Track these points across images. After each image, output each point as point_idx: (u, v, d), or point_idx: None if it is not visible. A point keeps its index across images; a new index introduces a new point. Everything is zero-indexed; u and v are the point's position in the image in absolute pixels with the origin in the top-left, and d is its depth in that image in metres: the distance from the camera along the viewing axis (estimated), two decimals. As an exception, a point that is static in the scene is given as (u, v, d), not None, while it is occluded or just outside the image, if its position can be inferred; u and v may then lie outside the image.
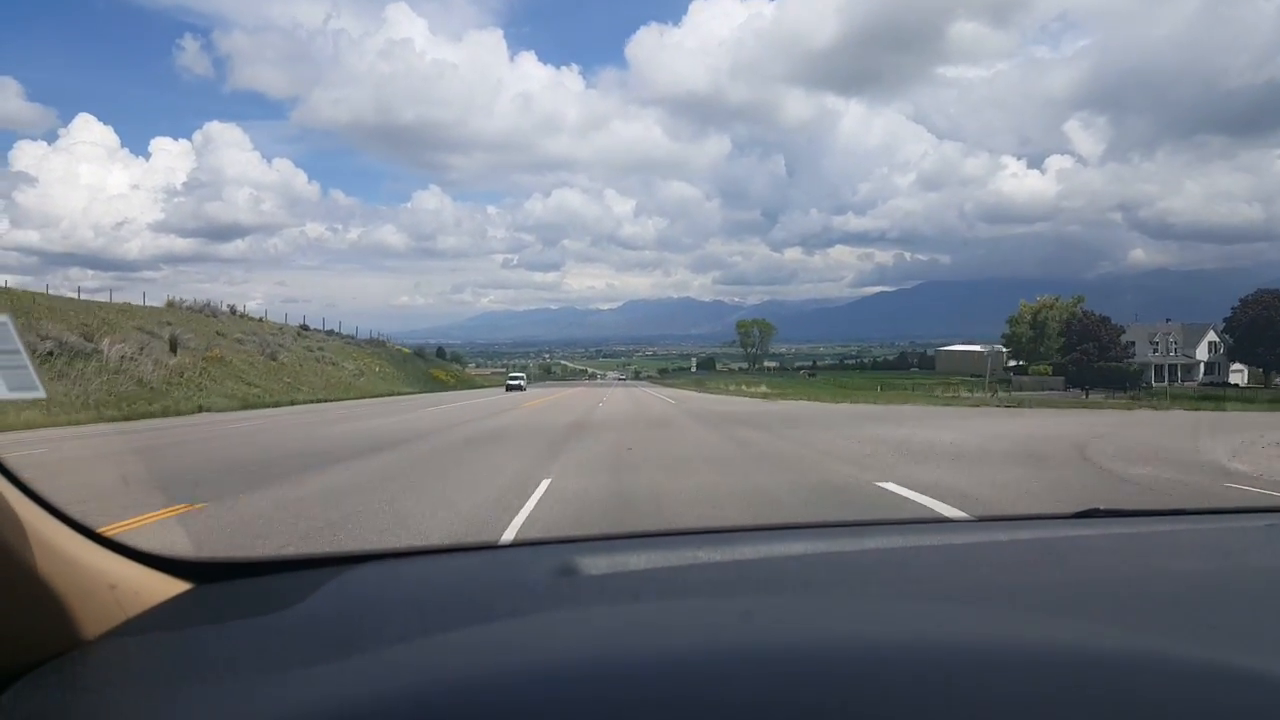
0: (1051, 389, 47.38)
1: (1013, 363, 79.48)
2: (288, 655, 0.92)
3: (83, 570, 1.01)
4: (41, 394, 1.00)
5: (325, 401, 39.30)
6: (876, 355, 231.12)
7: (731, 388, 64.18)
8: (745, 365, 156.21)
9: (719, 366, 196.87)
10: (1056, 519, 1.70)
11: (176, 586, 1.16)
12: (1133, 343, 67.16)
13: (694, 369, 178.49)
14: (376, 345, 73.52)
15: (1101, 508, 1.67)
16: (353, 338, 71.58)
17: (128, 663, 0.93)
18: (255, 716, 0.71)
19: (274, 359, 47.21)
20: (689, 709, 0.69)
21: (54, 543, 0.98)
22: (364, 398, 46.53)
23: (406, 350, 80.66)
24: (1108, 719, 0.65)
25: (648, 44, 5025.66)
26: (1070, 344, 64.48)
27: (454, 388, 68.81)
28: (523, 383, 61.33)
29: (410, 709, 0.69)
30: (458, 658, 0.86)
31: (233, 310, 56.98)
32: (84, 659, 0.93)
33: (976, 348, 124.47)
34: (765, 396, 39.12)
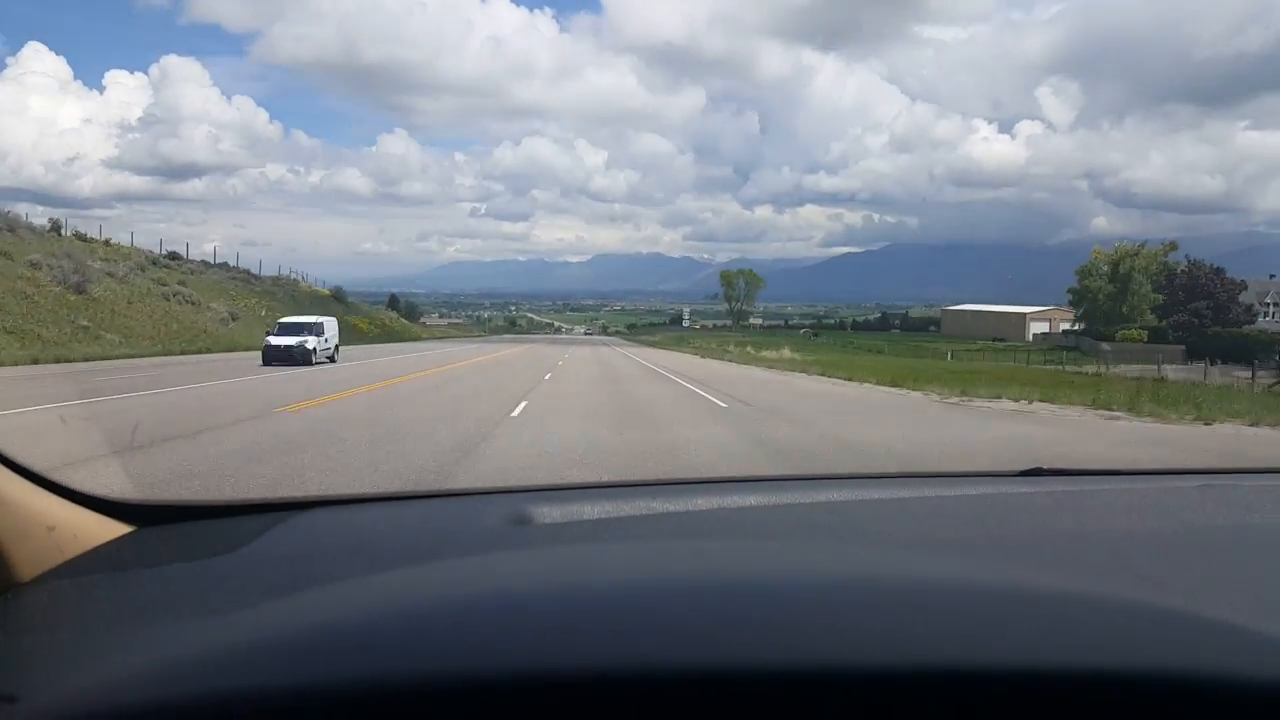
0: (1170, 361, 33.93)
1: (1079, 325, 65.77)
2: (231, 597, 0.91)
3: (18, 510, 0.98)
4: None
5: (121, 358, 24.48)
6: (845, 315, 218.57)
7: (732, 348, 49.54)
8: (727, 322, 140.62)
9: (696, 324, 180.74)
10: (1001, 476, 1.70)
11: (118, 529, 1.13)
12: (1250, 304, 54.07)
13: (684, 322, 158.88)
14: (282, 284, 58.14)
15: (1045, 466, 1.68)
16: (250, 274, 56.11)
17: (63, 604, 0.92)
18: (195, 656, 0.70)
19: (79, 292, 32.00)
20: (639, 634, 0.71)
21: None
22: (222, 350, 31.93)
23: (324, 292, 65.24)
24: (1038, 645, 0.69)
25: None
26: (1174, 303, 51.52)
27: (376, 340, 53.98)
28: (311, 340, 25.82)
29: (354, 641, 0.69)
30: (405, 594, 0.86)
31: (57, 228, 41.18)
32: (17, 600, 0.91)
33: (989, 308, 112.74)
34: (861, 380, 22.29)
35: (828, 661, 0.66)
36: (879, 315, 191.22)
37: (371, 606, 0.80)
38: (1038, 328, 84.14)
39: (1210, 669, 0.66)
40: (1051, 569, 1.01)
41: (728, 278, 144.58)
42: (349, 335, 49.78)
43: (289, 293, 56.55)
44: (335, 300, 64.65)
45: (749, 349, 46.48)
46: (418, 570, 0.97)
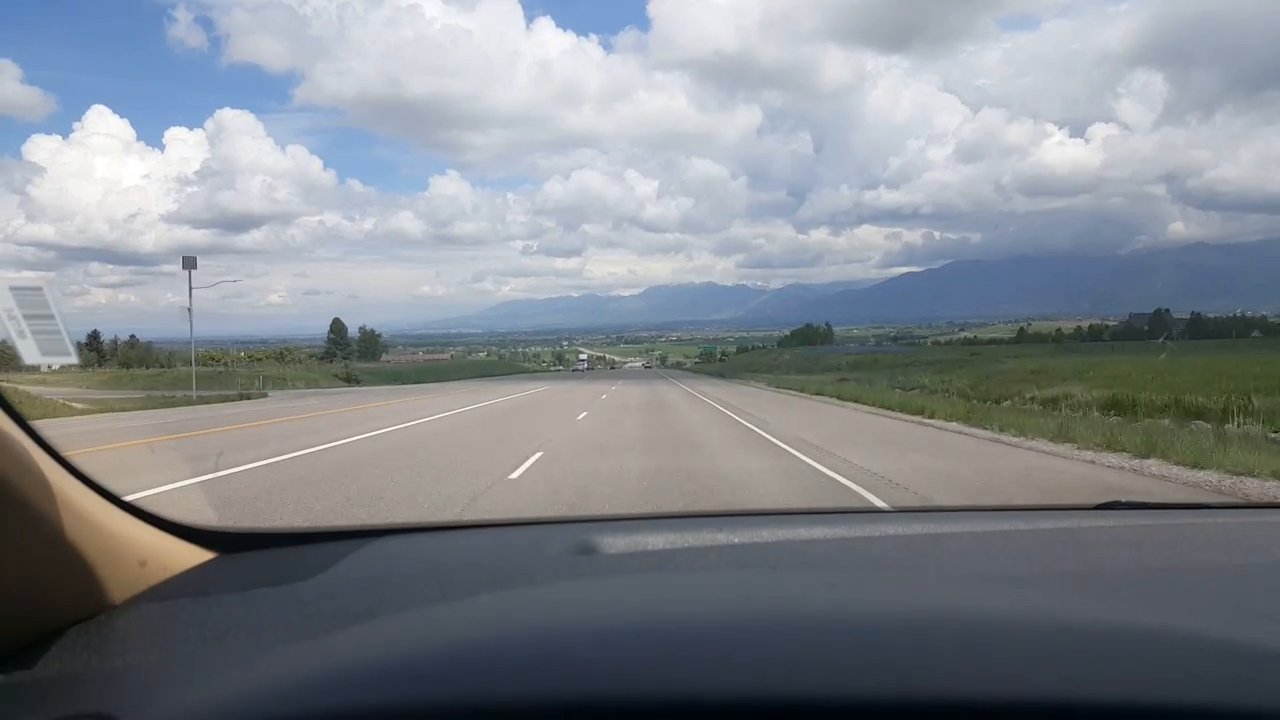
0: None
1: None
2: (309, 623, 0.95)
3: (110, 536, 1.03)
4: (74, 359, 1.03)
5: None
6: (918, 335, 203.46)
7: None
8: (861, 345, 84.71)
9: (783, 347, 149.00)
10: (1078, 509, 1.69)
11: (201, 555, 1.19)
12: None
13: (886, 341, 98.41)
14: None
15: (1123, 500, 1.69)
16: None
17: (153, 628, 0.96)
18: (275, 681, 0.74)
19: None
20: (708, 665, 0.71)
21: (83, 508, 1.00)
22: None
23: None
24: (1122, 680, 0.68)
25: (671, 1, 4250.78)
26: None
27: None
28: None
29: (425, 669, 0.72)
30: (473, 624, 0.89)
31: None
32: (110, 623, 0.96)
33: None
34: None
35: (900, 694, 0.66)
36: (1132, 321, 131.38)
37: (444, 633, 0.84)
38: None
39: None
40: (1130, 604, 1.01)
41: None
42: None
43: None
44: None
45: None
46: (487, 598, 1.01)
